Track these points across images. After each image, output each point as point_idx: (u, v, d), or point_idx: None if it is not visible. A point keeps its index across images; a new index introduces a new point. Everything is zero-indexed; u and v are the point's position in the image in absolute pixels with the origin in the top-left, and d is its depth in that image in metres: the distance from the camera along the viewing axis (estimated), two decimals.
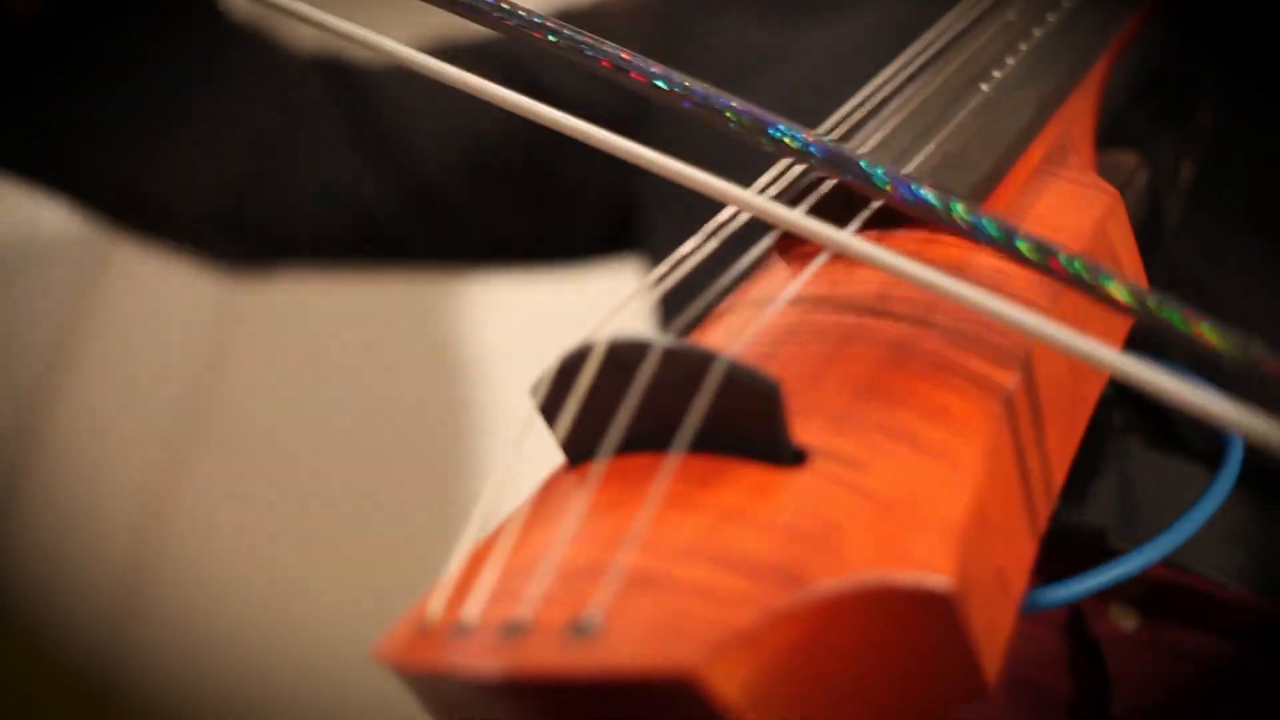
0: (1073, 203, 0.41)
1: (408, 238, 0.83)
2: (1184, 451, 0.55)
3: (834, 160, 0.35)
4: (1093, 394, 0.38)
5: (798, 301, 0.37)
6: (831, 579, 0.28)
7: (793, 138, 0.35)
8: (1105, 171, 0.49)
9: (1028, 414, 0.34)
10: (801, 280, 0.37)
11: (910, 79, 0.46)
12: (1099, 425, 0.51)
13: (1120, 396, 0.53)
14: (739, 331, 0.36)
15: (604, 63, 0.36)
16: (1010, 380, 0.34)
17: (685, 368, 0.31)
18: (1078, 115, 0.46)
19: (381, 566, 1.02)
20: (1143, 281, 0.42)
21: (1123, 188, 0.50)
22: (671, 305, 0.41)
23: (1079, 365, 0.37)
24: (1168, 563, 0.53)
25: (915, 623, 0.29)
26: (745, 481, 0.31)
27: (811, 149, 0.35)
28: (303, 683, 0.99)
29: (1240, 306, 0.61)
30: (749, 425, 0.31)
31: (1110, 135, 0.54)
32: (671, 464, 0.31)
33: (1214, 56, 0.63)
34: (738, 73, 0.73)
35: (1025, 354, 0.35)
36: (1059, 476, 0.35)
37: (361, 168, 0.80)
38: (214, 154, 0.77)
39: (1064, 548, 0.46)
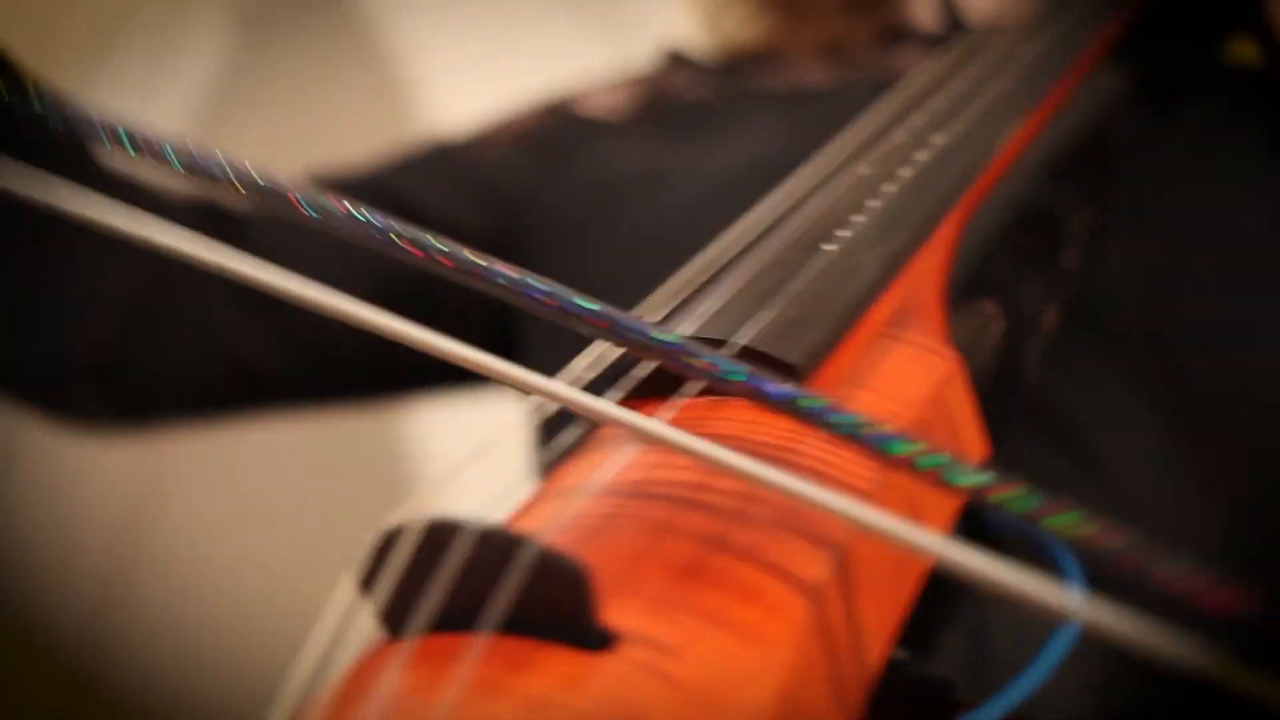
0: (910, 367, 0.41)
1: (294, 385, 0.83)
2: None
3: (640, 341, 0.36)
4: (924, 564, 0.38)
5: (621, 481, 0.37)
6: None
7: (597, 316, 0.36)
8: (961, 322, 0.50)
9: (843, 593, 0.35)
10: (623, 461, 0.38)
11: (759, 237, 0.46)
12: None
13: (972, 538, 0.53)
14: (558, 514, 0.36)
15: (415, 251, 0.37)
16: (824, 563, 0.34)
17: (497, 550, 0.32)
18: (924, 274, 0.46)
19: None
20: (979, 446, 0.42)
21: (976, 339, 0.51)
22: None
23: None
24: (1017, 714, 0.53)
25: None
26: (555, 667, 0.31)
27: (620, 328, 0.35)
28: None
29: (1109, 437, 0.62)
30: (560, 610, 0.31)
31: (973, 282, 0.55)
32: (478, 647, 0.31)
33: (1081, 193, 0.65)
34: (616, 193, 0.75)
35: (843, 535, 0.35)
36: (876, 651, 0.36)
37: (241, 319, 0.79)
38: (82, 324, 0.77)
39: (913, 703, 0.47)
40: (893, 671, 0.39)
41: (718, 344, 0.40)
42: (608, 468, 0.37)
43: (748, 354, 0.40)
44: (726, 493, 0.36)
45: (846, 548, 0.35)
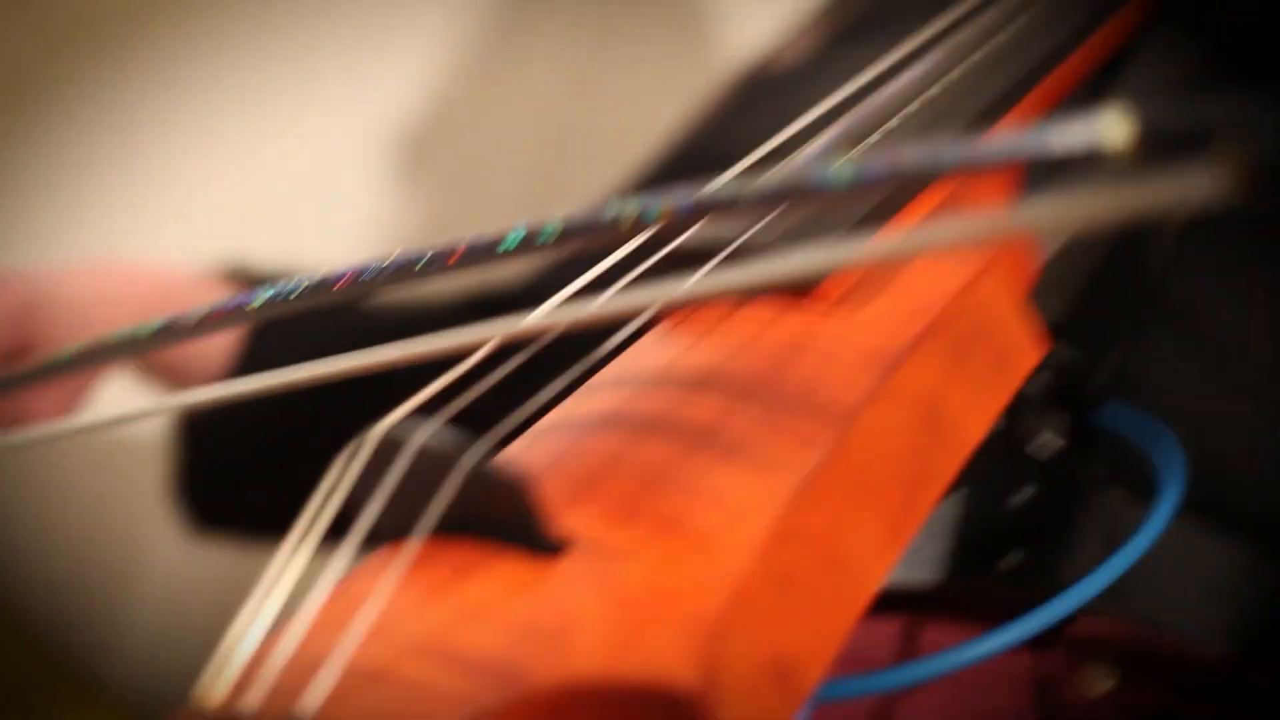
0: (941, 264, 0.40)
1: None
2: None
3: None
4: (946, 473, 0.37)
5: (620, 384, 0.37)
6: (548, 675, 0.28)
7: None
8: None
9: (837, 494, 0.33)
10: (618, 373, 0.38)
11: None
12: (1075, 481, 0.50)
13: (1091, 451, 0.51)
14: (564, 417, 0.37)
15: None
16: (808, 459, 0.33)
17: (436, 460, 0.32)
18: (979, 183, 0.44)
19: None
20: (1025, 338, 0.40)
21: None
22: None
23: (926, 443, 0.36)
24: (1144, 622, 0.51)
25: (654, 717, 0.29)
26: (502, 572, 0.31)
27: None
28: None
29: (1235, 330, 0.58)
30: (506, 516, 0.32)
31: None
32: (412, 551, 0.32)
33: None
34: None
35: (838, 433, 0.34)
36: (882, 558, 0.34)
37: None
38: None
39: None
40: None
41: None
42: (599, 382, 0.37)
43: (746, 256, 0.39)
44: (718, 393, 0.35)
45: (837, 451, 0.33)
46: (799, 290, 0.38)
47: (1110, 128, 0.27)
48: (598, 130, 1.15)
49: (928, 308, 0.38)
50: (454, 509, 0.32)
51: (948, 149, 0.29)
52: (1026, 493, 0.48)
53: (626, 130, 0.97)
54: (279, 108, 1.08)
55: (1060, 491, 0.49)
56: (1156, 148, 0.26)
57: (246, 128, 1.07)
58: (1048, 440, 0.47)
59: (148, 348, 0.41)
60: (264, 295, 0.39)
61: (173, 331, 0.40)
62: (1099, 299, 0.49)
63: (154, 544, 1.02)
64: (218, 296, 0.70)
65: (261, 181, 1.05)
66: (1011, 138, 0.29)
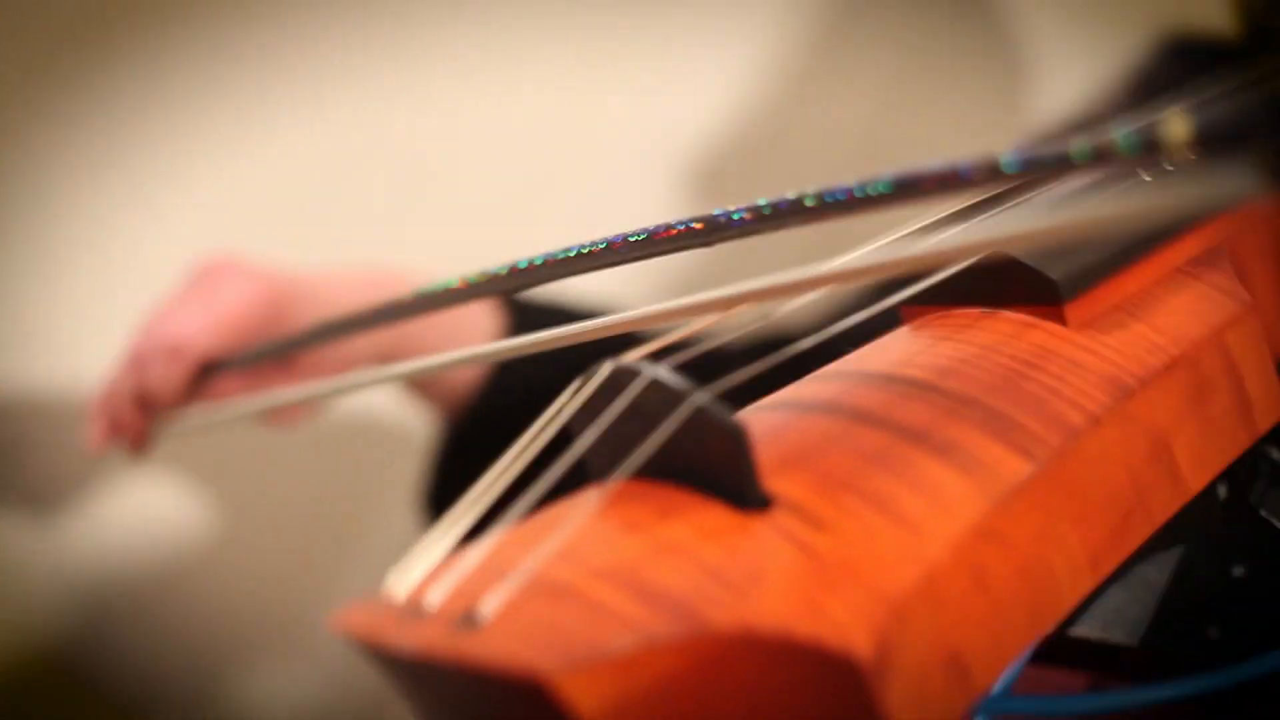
0: (1194, 306, 0.39)
1: None
2: None
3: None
4: (1160, 513, 0.36)
5: (850, 375, 0.37)
6: (725, 619, 0.28)
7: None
8: None
9: (1046, 507, 0.33)
10: (864, 357, 0.38)
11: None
12: None
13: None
14: (788, 397, 0.37)
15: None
16: (1023, 469, 0.32)
17: (661, 397, 0.32)
18: (1250, 222, 0.43)
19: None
20: (1271, 397, 0.39)
21: None
22: None
23: (1148, 477, 0.35)
24: None
25: (818, 684, 0.29)
26: (701, 519, 0.31)
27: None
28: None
29: None
30: (718, 466, 0.32)
31: None
32: (619, 485, 0.32)
33: None
34: None
35: (1061, 447, 0.33)
36: (1078, 582, 0.33)
37: None
38: None
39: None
40: None
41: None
42: (833, 370, 0.37)
43: (1012, 264, 0.38)
44: (946, 393, 0.35)
45: (1055, 465, 0.33)
46: (1049, 303, 0.38)
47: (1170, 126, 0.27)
48: (898, 157, 1.13)
49: (1176, 344, 0.37)
50: (670, 447, 0.32)
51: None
52: (1243, 567, 0.46)
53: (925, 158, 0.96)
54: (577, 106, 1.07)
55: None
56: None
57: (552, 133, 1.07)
58: (1272, 513, 0.45)
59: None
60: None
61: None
62: None
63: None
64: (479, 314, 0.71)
65: (549, 185, 1.06)
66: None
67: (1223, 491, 0.44)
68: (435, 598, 0.30)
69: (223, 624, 0.96)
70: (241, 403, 0.66)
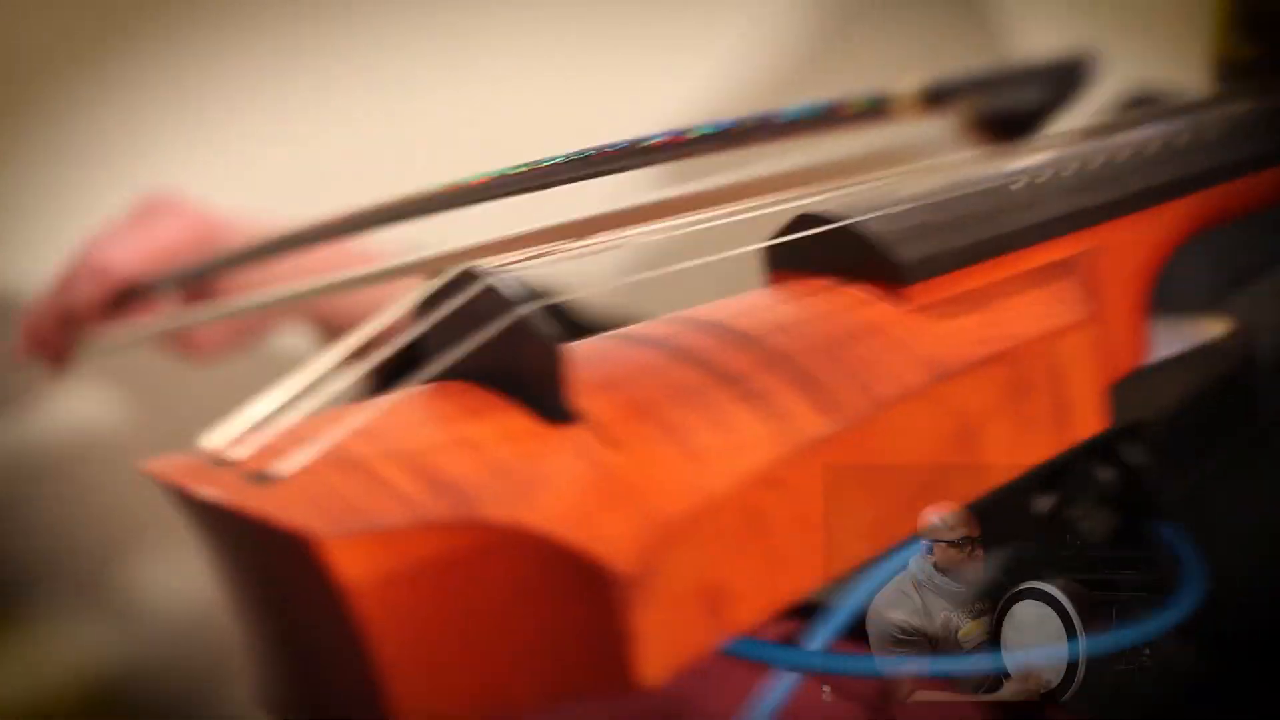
0: (1034, 309, 0.40)
1: None
2: None
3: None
4: (958, 495, 0.37)
5: (687, 319, 0.38)
6: (498, 514, 0.30)
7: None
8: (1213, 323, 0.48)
9: (845, 467, 0.34)
10: (709, 307, 0.39)
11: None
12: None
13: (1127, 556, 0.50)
14: (627, 330, 0.38)
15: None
16: (822, 427, 0.34)
17: (491, 304, 0.34)
18: (1121, 246, 0.44)
19: None
20: (1091, 414, 0.40)
21: (1211, 348, 0.48)
22: None
23: (949, 459, 0.37)
24: None
25: (576, 593, 0.30)
26: (506, 423, 0.33)
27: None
28: None
29: None
30: (532, 376, 0.33)
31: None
32: (440, 385, 0.34)
33: None
34: None
35: (864, 412, 0.35)
36: (858, 545, 0.35)
37: None
38: None
39: None
40: None
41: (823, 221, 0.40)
42: (674, 316, 0.39)
43: (860, 241, 0.40)
44: (769, 349, 0.36)
45: (855, 430, 0.34)
46: (893, 283, 0.39)
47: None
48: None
49: (1003, 340, 0.38)
50: (490, 351, 0.34)
51: None
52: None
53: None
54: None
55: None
56: None
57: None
58: (1088, 532, 0.47)
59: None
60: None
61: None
62: (1194, 421, 0.49)
63: None
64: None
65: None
66: None
67: (1046, 505, 0.46)
68: (238, 453, 0.32)
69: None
70: (155, 321, 0.68)
